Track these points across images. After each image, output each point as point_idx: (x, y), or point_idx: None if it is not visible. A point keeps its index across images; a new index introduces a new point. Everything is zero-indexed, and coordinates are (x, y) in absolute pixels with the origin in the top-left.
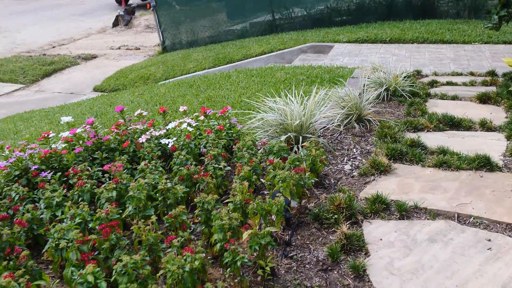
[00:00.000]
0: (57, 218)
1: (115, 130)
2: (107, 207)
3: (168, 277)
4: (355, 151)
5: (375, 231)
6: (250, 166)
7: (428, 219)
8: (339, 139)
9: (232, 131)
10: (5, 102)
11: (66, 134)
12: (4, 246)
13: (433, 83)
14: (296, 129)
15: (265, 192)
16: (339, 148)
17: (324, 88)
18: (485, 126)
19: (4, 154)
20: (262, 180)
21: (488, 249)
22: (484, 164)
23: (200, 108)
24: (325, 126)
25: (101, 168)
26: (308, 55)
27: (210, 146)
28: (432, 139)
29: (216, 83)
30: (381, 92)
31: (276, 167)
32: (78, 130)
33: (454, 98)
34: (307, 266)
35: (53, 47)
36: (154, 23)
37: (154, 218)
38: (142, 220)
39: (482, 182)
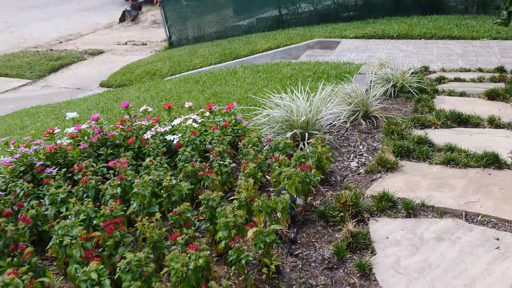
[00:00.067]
0: (61, 215)
1: (120, 126)
2: (111, 204)
3: (172, 275)
4: (361, 148)
5: (381, 229)
6: (256, 163)
7: (435, 217)
8: (345, 135)
9: (237, 128)
10: (12, 97)
11: (71, 130)
12: (8, 243)
13: (440, 79)
14: (302, 125)
15: (271, 189)
16: (345, 144)
17: (331, 84)
18: (494, 123)
19: (9, 150)
20: (267, 177)
21: (496, 248)
22: (492, 161)
23: (206, 104)
24: (332, 123)
25: (106, 164)
26: (314, 50)
27: (215, 143)
28: (439, 136)
29: (222, 79)
30: (388, 88)
31: (282, 164)
32: (83, 126)
33: (462, 94)
34: (312, 264)
35: (60, 42)
36: (161, 19)
37: (158, 215)
38: (147, 217)
39: (491, 180)
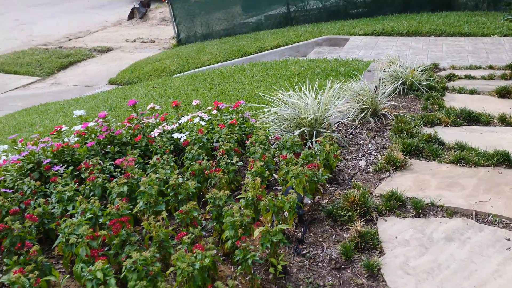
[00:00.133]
0: (68, 213)
1: (128, 124)
2: (118, 202)
3: (177, 274)
4: (370, 146)
5: (390, 229)
6: (263, 162)
7: (445, 217)
8: (354, 134)
9: (245, 126)
10: (22, 94)
11: (78, 127)
12: (15, 241)
13: (450, 77)
14: (310, 123)
15: (278, 188)
16: (353, 143)
17: (339, 82)
18: (505, 121)
19: (17, 148)
20: (275, 175)
21: (507, 248)
22: (503, 160)
23: (213, 101)
24: (340, 121)
25: (113, 163)
26: (323, 48)
27: (222, 141)
28: (449, 134)
29: (230, 76)
30: (397, 86)
31: (289, 162)
32: (91, 124)
33: (473, 92)
34: (319, 264)
35: (69, 39)
36: (169, 16)
37: (164, 214)
38: (153, 216)
39: (501, 179)
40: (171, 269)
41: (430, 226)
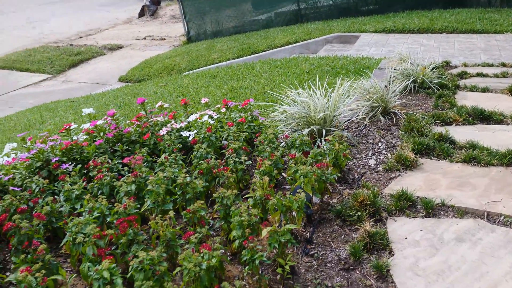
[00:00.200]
0: (76, 212)
1: (136, 122)
2: (125, 201)
3: (184, 274)
4: (380, 145)
5: (399, 229)
6: (271, 161)
7: (455, 217)
8: (363, 132)
9: (254, 124)
10: (33, 92)
11: (87, 125)
12: (23, 239)
13: (462, 75)
14: (319, 122)
15: (287, 187)
16: (363, 141)
17: (349, 80)
18: None
19: (26, 146)
20: (283, 174)
21: None
22: None
23: (222, 99)
24: (350, 119)
25: (121, 161)
26: (333, 45)
27: (231, 139)
28: (461, 133)
29: (239, 74)
30: (408, 84)
31: (298, 161)
32: (99, 122)
33: (485, 90)
34: (328, 265)
35: (80, 37)
36: (179, 13)
37: (172, 213)
38: (160, 215)
39: None
40: (178, 269)
41: (441, 226)
